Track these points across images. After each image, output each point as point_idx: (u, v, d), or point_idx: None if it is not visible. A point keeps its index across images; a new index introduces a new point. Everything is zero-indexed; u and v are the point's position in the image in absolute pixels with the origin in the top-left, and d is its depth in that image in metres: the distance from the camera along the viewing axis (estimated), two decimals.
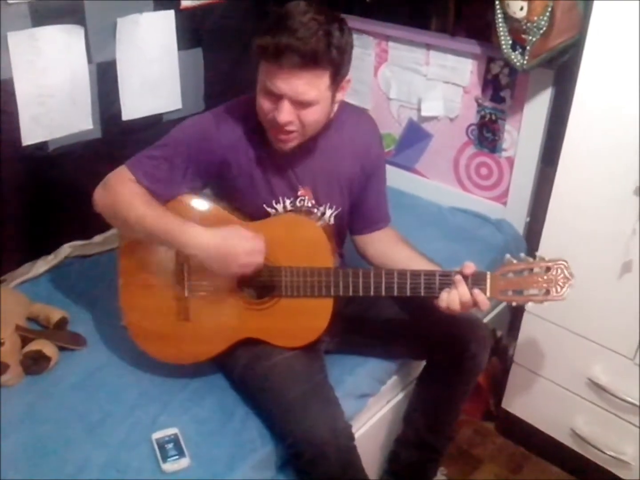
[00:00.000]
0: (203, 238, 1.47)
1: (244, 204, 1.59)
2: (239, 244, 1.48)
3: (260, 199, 1.59)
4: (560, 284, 1.46)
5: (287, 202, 1.61)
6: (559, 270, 1.46)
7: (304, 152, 1.59)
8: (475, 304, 1.46)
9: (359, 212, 1.74)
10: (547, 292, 1.47)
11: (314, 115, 1.46)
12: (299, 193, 1.61)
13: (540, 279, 1.46)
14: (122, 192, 1.51)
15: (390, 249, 1.70)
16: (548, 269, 1.46)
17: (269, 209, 1.60)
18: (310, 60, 1.37)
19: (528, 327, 2.03)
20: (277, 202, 1.60)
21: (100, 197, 1.54)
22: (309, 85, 1.40)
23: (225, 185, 1.59)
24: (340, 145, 1.62)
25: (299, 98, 1.41)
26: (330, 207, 1.66)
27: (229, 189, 1.59)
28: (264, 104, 1.45)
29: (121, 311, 1.63)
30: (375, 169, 1.72)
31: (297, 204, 1.62)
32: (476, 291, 1.45)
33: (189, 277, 1.56)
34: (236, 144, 1.54)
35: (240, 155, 1.55)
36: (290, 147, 1.51)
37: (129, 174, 1.53)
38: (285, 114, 1.42)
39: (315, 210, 1.65)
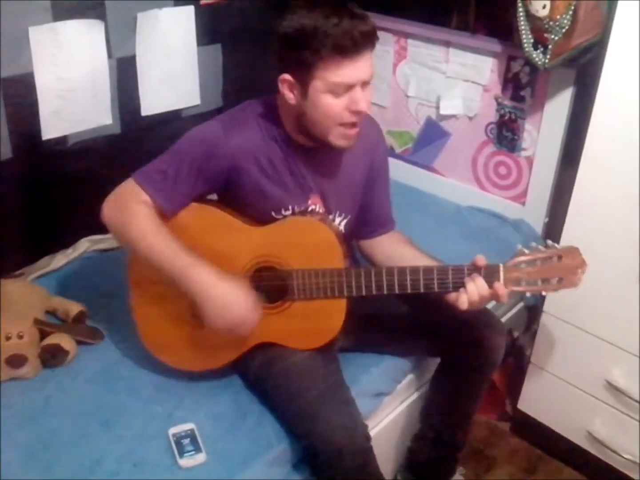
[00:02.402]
0: (209, 282, 1.43)
1: (251, 211, 1.56)
2: (238, 306, 1.43)
3: (269, 207, 1.56)
4: (574, 271, 1.45)
5: (297, 210, 1.58)
6: (572, 258, 1.44)
7: (316, 159, 1.57)
8: (495, 296, 1.45)
9: (366, 216, 1.72)
10: (561, 280, 1.45)
11: (371, 95, 1.46)
12: (310, 202, 1.60)
13: (553, 268, 1.44)
14: (134, 215, 1.47)
15: (397, 251, 1.68)
16: (560, 257, 1.44)
17: (277, 217, 1.57)
18: (374, 38, 1.40)
19: (546, 328, 2.01)
20: (287, 209, 1.57)
21: (111, 214, 1.50)
22: (371, 62, 1.42)
23: (233, 192, 1.56)
24: (349, 152, 1.59)
25: (367, 78, 1.42)
26: (340, 215, 1.65)
27: (237, 196, 1.56)
28: (335, 105, 1.42)
29: (134, 323, 1.63)
30: (381, 170, 1.72)
31: (308, 212, 1.60)
32: (497, 284, 1.44)
33: None
34: (245, 150, 1.50)
35: (250, 163, 1.52)
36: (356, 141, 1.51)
37: (138, 189, 1.49)
38: (365, 99, 1.42)
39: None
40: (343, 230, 1.67)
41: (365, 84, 1.43)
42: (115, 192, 1.53)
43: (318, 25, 1.35)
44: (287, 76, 1.44)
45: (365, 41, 1.37)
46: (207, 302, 1.43)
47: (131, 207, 1.48)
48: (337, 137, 1.48)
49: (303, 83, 1.42)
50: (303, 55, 1.38)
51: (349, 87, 1.41)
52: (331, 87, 1.40)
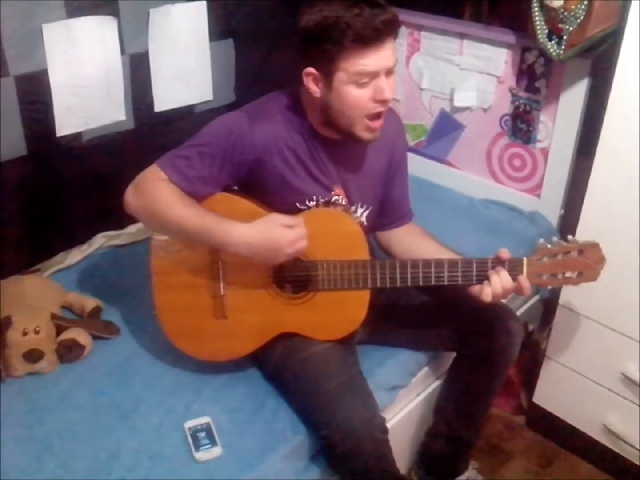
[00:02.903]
0: (245, 234, 1.45)
1: (275, 202, 1.57)
2: (281, 235, 1.44)
3: (293, 198, 1.57)
4: (594, 265, 1.48)
5: (321, 201, 1.59)
6: (592, 252, 1.48)
7: (339, 151, 1.58)
8: (519, 289, 1.47)
9: (384, 207, 1.73)
10: (581, 274, 1.49)
11: (396, 83, 1.47)
12: (333, 192, 1.60)
13: (574, 262, 1.48)
14: (158, 193, 1.48)
15: (416, 244, 1.69)
16: (581, 251, 1.48)
17: (301, 207, 1.58)
18: (396, 25, 1.42)
19: (561, 321, 2.00)
20: (311, 200, 1.58)
21: (134, 199, 1.52)
22: (393, 49, 1.43)
23: (256, 183, 1.56)
24: (372, 144, 1.59)
25: (391, 65, 1.43)
26: (362, 206, 1.66)
27: (260, 187, 1.57)
28: (360, 96, 1.43)
29: (156, 311, 1.63)
30: (400, 163, 1.72)
31: (331, 202, 1.60)
32: (521, 277, 1.46)
33: (224, 275, 1.56)
34: (270, 142, 1.51)
35: (274, 155, 1.52)
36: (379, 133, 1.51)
37: (161, 173, 1.50)
38: (389, 88, 1.43)
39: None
40: (365, 222, 1.68)
41: (389, 72, 1.44)
42: (138, 177, 1.54)
43: (339, 16, 1.36)
44: (311, 70, 1.44)
45: (387, 29, 1.38)
46: (254, 252, 1.46)
47: (155, 187, 1.50)
48: (361, 129, 1.49)
49: (327, 76, 1.43)
50: (326, 47, 1.39)
51: (373, 77, 1.41)
52: (355, 78, 1.41)
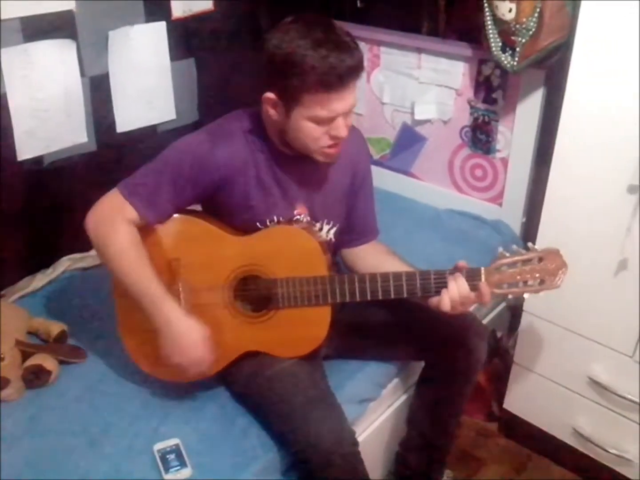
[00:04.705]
0: (172, 318, 1.46)
1: (236, 221, 1.57)
2: (196, 348, 1.48)
3: (255, 217, 1.57)
4: (554, 272, 1.47)
5: (282, 220, 1.59)
6: (552, 259, 1.47)
7: (302, 168, 1.58)
8: (479, 297, 1.46)
9: (348, 224, 1.73)
10: (542, 281, 1.47)
11: (352, 118, 1.49)
12: (295, 212, 1.61)
13: (534, 270, 1.46)
14: (115, 234, 1.48)
15: (380, 263, 1.69)
16: (541, 259, 1.46)
17: (261, 227, 1.58)
18: (360, 70, 1.42)
19: (527, 327, 2.03)
20: (272, 220, 1.58)
21: (94, 227, 1.50)
22: (354, 92, 1.44)
23: (218, 203, 1.56)
24: None
25: (350, 108, 1.44)
26: (328, 223, 1.66)
27: (222, 207, 1.57)
28: (315, 131, 1.44)
29: (119, 333, 1.63)
30: (364, 178, 1.73)
31: (293, 221, 1.61)
32: (481, 284, 1.45)
33: (184, 296, 1.55)
34: (231, 162, 1.51)
35: (237, 175, 1.52)
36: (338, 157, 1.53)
37: (125, 204, 1.49)
38: (345, 126, 1.45)
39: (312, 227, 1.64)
40: (333, 239, 1.68)
41: (347, 114, 1.45)
42: (100, 202, 1.52)
43: (306, 55, 1.35)
44: (271, 95, 1.44)
45: (351, 75, 1.39)
46: (169, 336, 1.47)
47: (114, 223, 1.48)
48: (318, 156, 1.50)
49: (287, 106, 1.43)
50: (290, 82, 1.39)
51: (332, 119, 1.43)
52: (314, 118, 1.42)
